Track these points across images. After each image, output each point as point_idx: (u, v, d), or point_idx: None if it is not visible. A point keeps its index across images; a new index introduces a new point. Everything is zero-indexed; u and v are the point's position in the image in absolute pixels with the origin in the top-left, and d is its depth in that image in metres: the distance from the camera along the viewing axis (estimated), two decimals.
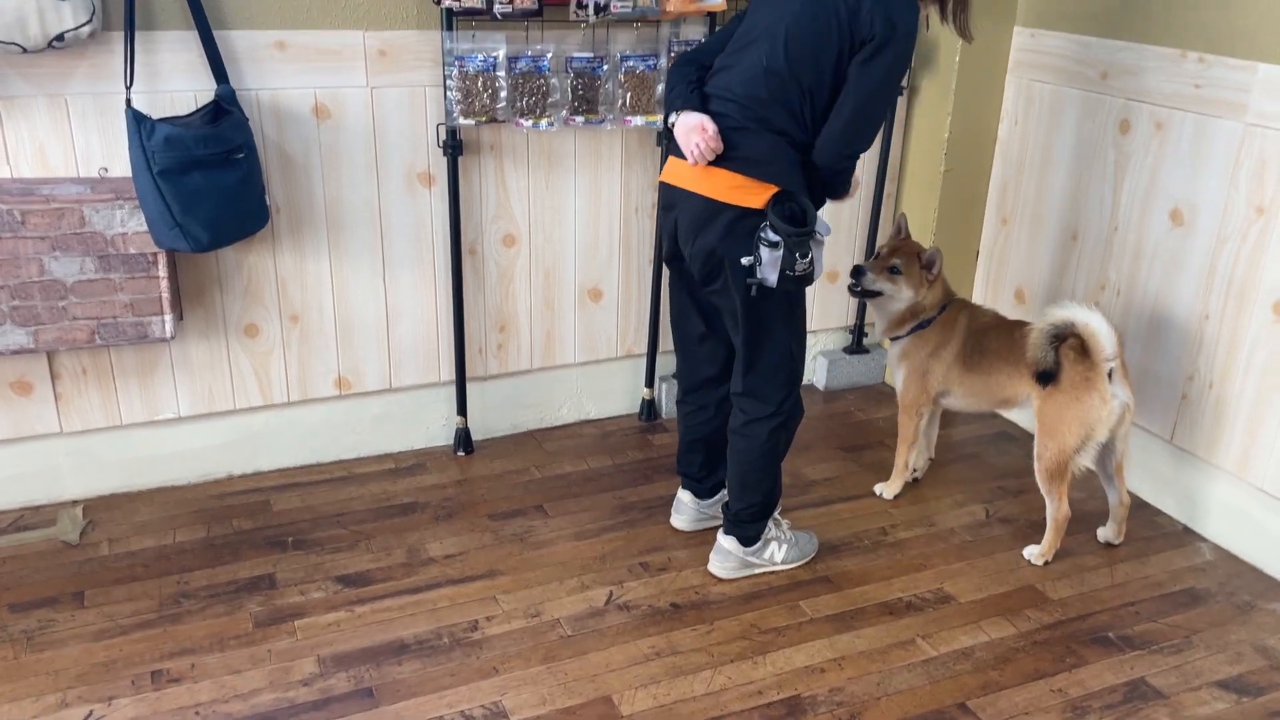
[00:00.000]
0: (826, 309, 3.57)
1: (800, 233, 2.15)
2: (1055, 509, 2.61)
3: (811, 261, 2.20)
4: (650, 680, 2.21)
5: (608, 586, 2.51)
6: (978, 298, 3.48)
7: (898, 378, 2.88)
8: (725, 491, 2.65)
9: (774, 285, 2.20)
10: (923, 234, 3.41)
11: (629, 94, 2.86)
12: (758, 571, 2.58)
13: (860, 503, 2.92)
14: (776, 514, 2.59)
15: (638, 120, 2.89)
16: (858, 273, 2.76)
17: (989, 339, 2.76)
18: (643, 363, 3.33)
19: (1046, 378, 2.54)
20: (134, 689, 2.13)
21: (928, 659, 2.31)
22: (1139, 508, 2.92)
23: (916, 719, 2.13)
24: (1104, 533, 2.76)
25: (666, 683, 2.20)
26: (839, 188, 2.30)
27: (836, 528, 2.79)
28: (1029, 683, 2.25)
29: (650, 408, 3.35)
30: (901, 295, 2.75)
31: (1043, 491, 2.63)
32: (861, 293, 2.80)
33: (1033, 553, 2.67)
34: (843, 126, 2.18)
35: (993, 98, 3.31)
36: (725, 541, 2.55)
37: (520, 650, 2.28)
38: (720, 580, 2.54)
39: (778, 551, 2.58)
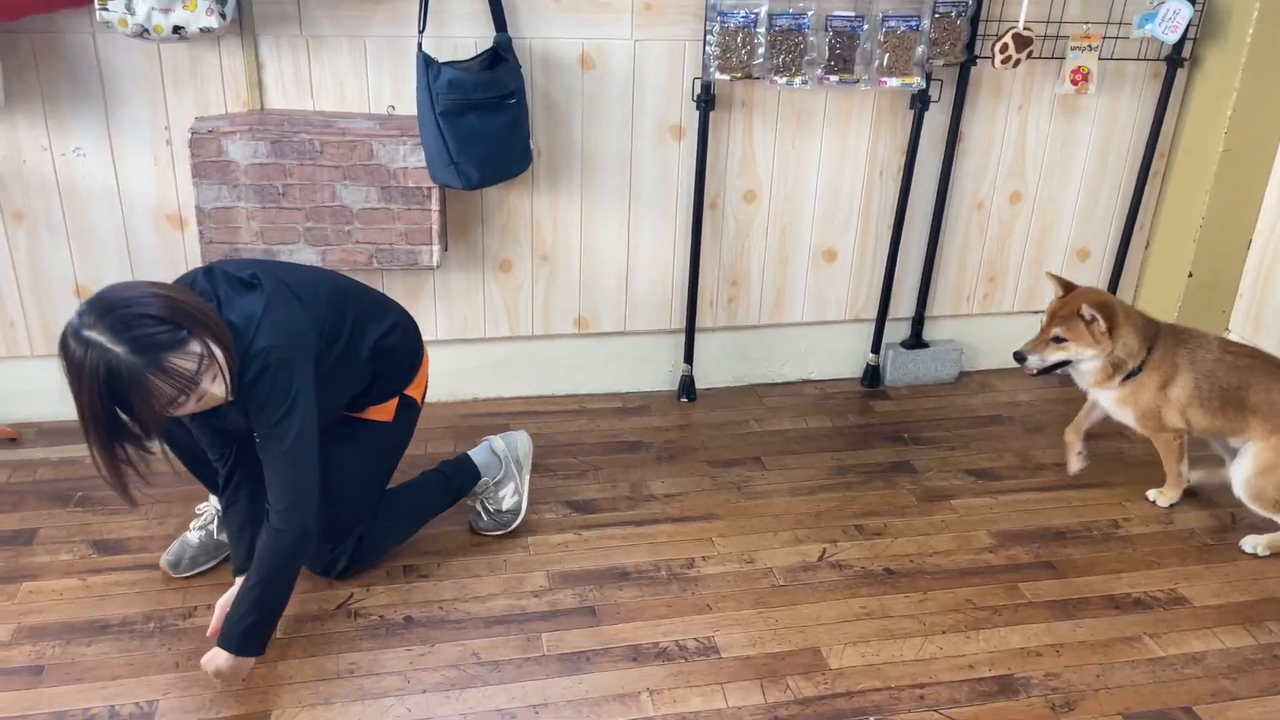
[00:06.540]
0: None
1: None
2: None
3: None
4: (859, 639, 2.24)
5: (821, 544, 2.55)
6: (1243, 295, 3.22)
7: (1126, 418, 2.68)
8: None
9: None
10: (1189, 220, 3.20)
11: (887, 55, 2.82)
12: None
13: (1091, 492, 2.81)
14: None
15: (893, 82, 2.85)
16: (1019, 359, 2.60)
17: (1232, 378, 2.55)
18: (870, 328, 3.32)
19: None
20: None
21: (1154, 658, 2.22)
22: None
23: (1137, 716, 2.06)
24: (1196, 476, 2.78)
25: (876, 643, 2.23)
26: None
27: (1065, 514, 2.71)
28: (1265, 697, 2.12)
29: (875, 373, 3.34)
30: (1084, 356, 2.56)
31: (1267, 515, 2.57)
32: (1040, 373, 2.65)
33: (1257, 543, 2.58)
34: None
35: None
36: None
37: (733, 592, 2.37)
38: (935, 551, 2.53)
39: None
